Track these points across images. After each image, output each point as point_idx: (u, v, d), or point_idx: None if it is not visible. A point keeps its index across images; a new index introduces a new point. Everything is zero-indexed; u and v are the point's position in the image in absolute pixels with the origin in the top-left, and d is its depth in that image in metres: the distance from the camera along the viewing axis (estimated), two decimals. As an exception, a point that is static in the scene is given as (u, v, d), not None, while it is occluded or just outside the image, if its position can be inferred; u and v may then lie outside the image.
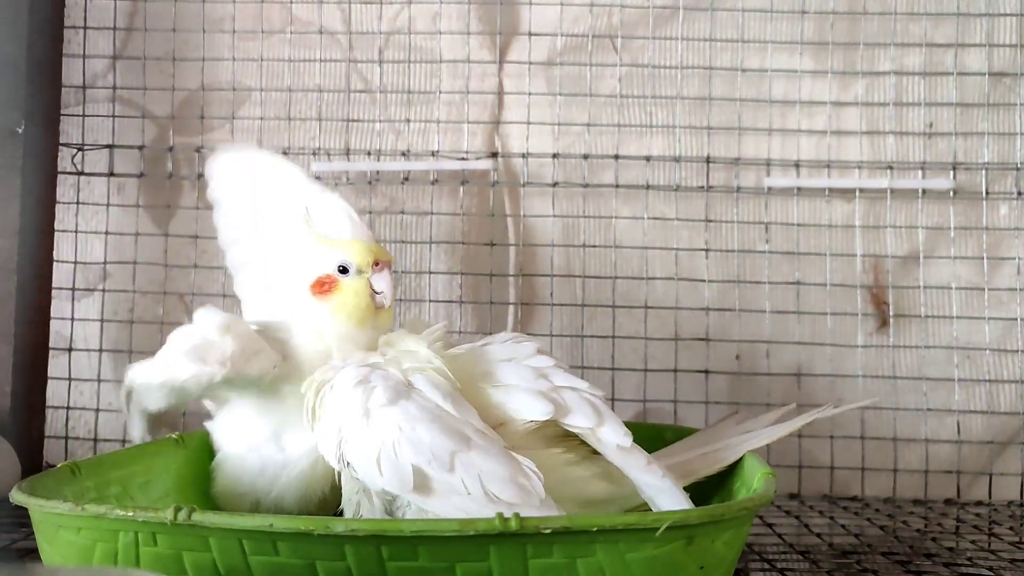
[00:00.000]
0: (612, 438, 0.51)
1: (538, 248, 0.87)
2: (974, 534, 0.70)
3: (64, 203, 0.88)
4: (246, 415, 0.59)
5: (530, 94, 0.87)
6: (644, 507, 0.50)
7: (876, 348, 0.85)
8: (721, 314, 0.85)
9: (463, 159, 0.87)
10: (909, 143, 0.86)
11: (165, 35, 0.89)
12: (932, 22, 0.86)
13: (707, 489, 0.57)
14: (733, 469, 0.56)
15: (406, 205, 0.87)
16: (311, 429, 0.53)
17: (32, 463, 0.81)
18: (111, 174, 0.89)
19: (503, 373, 0.54)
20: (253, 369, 0.55)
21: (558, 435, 0.53)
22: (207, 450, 0.62)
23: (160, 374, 0.53)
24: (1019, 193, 0.85)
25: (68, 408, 0.87)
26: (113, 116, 0.89)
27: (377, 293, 0.58)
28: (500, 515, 0.40)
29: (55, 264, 0.87)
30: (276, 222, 0.66)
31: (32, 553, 0.57)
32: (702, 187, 0.86)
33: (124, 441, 0.86)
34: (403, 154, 0.88)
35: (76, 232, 0.89)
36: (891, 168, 0.86)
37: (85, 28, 0.89)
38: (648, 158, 0.87)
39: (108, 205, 0.89)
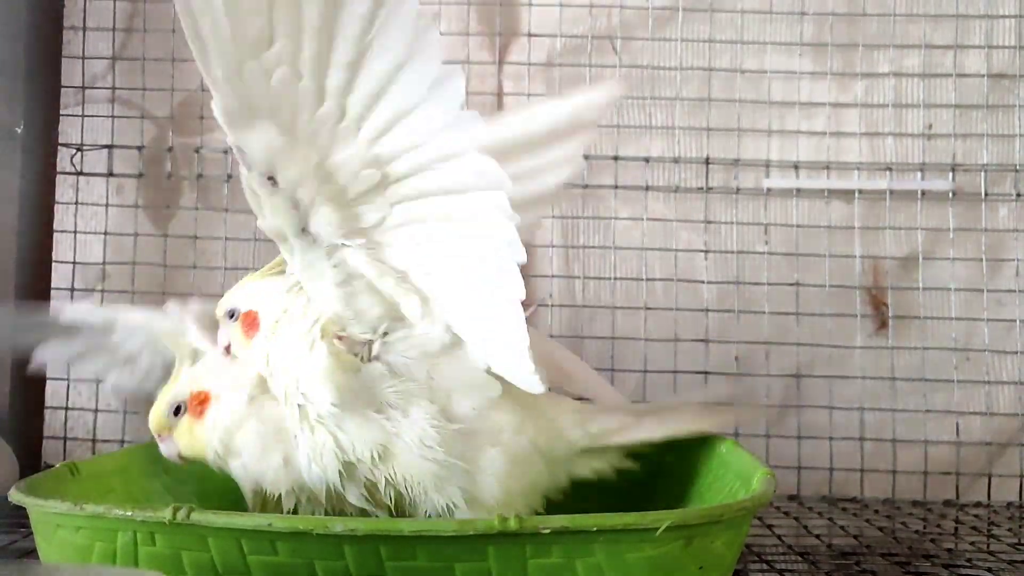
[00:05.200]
0: None
1: (537, 249, 0.87)
2: (973, 535, 0.70)
3: (63, 203, 0.88)
4: None
5: (530, 95, 0.87)
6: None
7: (875, 349, 0.84)
8: (720, 315, 0.85)
9: (462, 160, 0.87)
10: (908, 144, 0.86)
11: (164, 36, 0.89)
12: (931, 23, 0.86)
13: (705, 489, 0.57)
14: (732, 468, 0.55)
15: (405, 206, 0.87)
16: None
17: (30, 463, 0.81)
18: (110, 174, 0.89)
19: None
20: None
21: None
22: (206, 450, 0.62)
23: None
24: (1018, 195, 0.85)
25: (67, 408, 0.87)
26: (112, 116, 0.89)
27: None
28: (499, 515, 0.40)
29: (54, 264, 0.87)
30: None
31: (31, 553, 0.57)
32: (701, 188, 0.86)
33: (123, 441, 0.86)
34: (402, 155, 0.88)
35: (75, 232, 0.89)
36: (890, 169, 0.86)
37: (84, 29, 0.89)
38: (647, 159, 0.87)
39: (107, 205, 0.89)
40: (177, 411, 0.54)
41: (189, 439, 0.54)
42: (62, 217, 0.88)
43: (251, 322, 0.55)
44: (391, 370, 0.51)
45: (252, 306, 0.55)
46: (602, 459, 0.55)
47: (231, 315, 0.56)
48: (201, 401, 0.54)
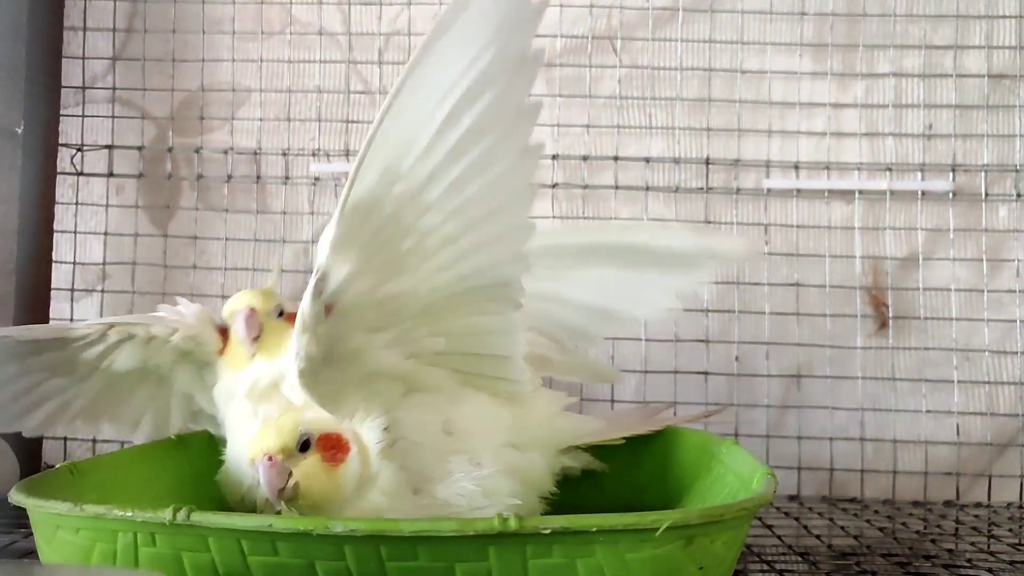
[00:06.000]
0: None
1: (537, 249, 0.87)
2: (973, 536, 0.70)
3: (63, 203, 0.88)
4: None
5: (530, 96, 0.87)
6: None
7: (875, 350, 0.84)
8: (720, 315, 0.85)
9: (462, 160, 0.87)
10: (908, 145, 0.86)
11: (164, 36, 0.89)
12: (931, 24, 0.86)
13: (705, 490, 0.57)
14: (732, 468, 0.55)
15: (405, 206, 0.87)
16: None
17: (31, 464, 0.81)
18: (110, 175, 0.89)
19: None
20: None
21: None
22: (207, 450, 0.62)
23: None
24: (1018, 195, 0.85)
25: (67, 409, 0.87)
26: (112, 117, 0.89)
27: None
28: (499, 515, 0.40)
29: (54, 265, 0.87)
30: None
31: (31, 554, 0.57)
32: (701, 188, 0.86)
33: (123, 442, 0.85)
34: (402, 155, 0.88)
35: (75, 232, 0.89)
36: (890, 170, 0.86)
37: (85, 29, 0.89)
38: (647, 159, 0.87)
39: (107, 206, 0.89)
40: (305, 446, 0.48)
41: (321, 483, 0.48)
42: (62, 217, 0.88)
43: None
44: (411, 442, 0.50)
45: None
46: (575, 458, 0.58)
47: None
48: (339, 448, 0.49)
